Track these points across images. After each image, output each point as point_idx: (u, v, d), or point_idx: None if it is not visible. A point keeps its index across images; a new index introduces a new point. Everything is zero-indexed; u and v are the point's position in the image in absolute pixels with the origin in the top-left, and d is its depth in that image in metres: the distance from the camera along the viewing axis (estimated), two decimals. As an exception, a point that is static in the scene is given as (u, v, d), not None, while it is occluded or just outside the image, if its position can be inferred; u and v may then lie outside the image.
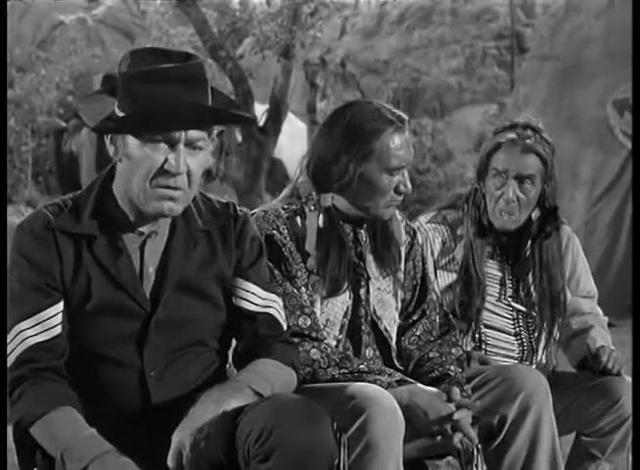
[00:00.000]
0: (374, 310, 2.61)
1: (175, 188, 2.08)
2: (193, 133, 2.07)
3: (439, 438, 2.46)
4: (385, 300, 2.64)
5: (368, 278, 2.61)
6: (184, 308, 2.18)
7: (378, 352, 2.62)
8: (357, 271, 2.60)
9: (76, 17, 19.49)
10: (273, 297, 2.31)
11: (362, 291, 2.60)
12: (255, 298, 2.27)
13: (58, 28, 19.10)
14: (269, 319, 2.28)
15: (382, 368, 2.50)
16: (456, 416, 2.42)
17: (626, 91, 7.93)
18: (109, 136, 2.11)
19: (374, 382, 2.41)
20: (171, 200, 2.09)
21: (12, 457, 2.19)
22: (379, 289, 2.63)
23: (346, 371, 2.45)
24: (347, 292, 2.57)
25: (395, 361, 2.64)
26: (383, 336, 2.63)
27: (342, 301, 2.56)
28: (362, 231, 2.64)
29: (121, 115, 2.07)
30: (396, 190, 2.56)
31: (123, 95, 2.07)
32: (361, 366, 2.46)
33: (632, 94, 7.64)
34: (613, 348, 3.01)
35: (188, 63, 2.07)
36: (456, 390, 2.49)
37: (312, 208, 2.57)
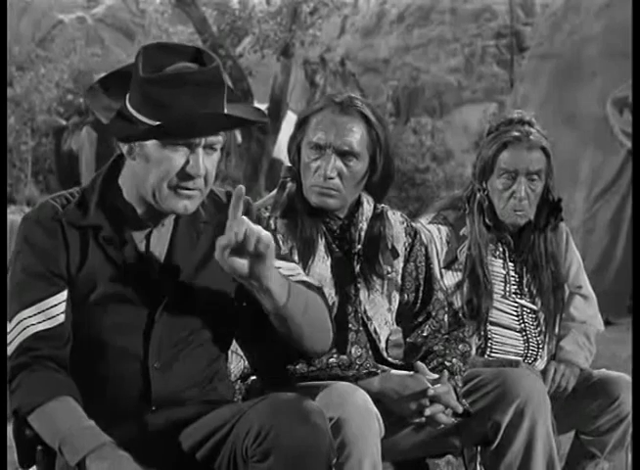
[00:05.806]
0: (364, 310, 2.58)
1: (193, 189, 2.10)
2: (211, 137, 2.10)
3: (423, 418, 2.41)
4: (376, 301, 2.60)
5: (356, 277, 2.58)
6: (190, 298, 2.17)
7: (367, 351, 2.57)
8: (345, 269, 2.57)
9: (76, 15, 19.50)
10: (294, 265, 2.27)
11: (350, 288, 2.57)
12: (282, 271, 2.18)
13: (57, 27, 19.10)
14: (306, 285, 2.21)
15: (352, 361, 2.45)
16: (431, 392, 2.38)
17: (626, 90, 7.94)
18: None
19: (343, 377, 2.38)
20: (188, 198, 2.11)
21: (12, 456, 2.20)
22: (370, 289, 2.60)
23: (314, 368, 2.41)
24: (333, 288, 2.54)
25: (389, 360, 2.62)
26: (372, 336, 2.59)
27: (327, 297, 2.53)
28: (351, 229, 2.60)
29: (135, 113, 2.06)
30: (317, 172, 2.50)
31: (143, 99, 2.06)
32: (331, 359, 2.42)
33: (632, 93, 7.65)
34: (568, 363, 2.97)
35: (208, 67, 2.06)
36: (420, 363, 2.47)
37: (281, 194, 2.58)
